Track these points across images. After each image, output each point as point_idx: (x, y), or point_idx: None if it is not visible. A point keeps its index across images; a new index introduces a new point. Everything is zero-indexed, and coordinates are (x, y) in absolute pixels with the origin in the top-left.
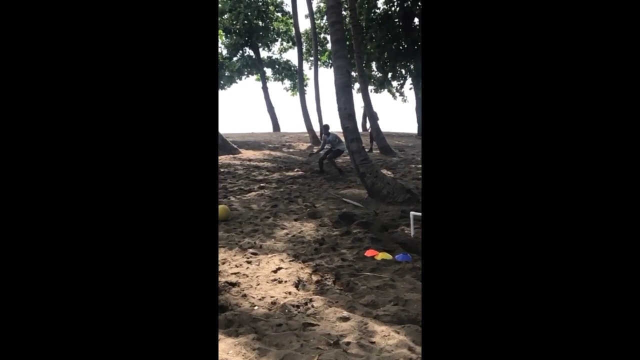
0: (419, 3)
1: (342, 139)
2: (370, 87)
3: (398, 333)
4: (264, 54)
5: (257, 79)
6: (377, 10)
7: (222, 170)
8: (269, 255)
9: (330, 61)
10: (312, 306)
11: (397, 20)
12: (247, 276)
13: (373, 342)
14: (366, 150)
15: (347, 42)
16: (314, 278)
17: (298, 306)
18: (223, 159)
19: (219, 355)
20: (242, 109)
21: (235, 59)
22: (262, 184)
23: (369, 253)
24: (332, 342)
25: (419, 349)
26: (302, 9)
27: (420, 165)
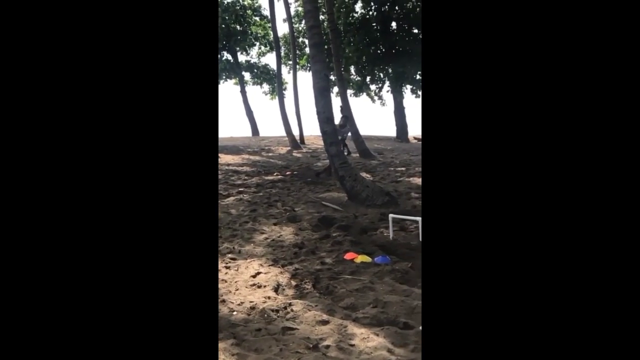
0: (396, 7)
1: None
2: (349, 91)
3: (377, 335)
4: (242, 58)
5: (236, 83)
6: (355, 15)
7: None
8: (248, 260)
9: (309, 65)
10: (292, 310)
11: (374, 24)
12: (226, 281)
13: (352, 345)
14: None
15: (326, 46)
16: (293, 282)
17: (277, 310)
18: None
19: None
20: (221, 113)
21: None
22: (240, 189)
23: (348, 256)
24: (311, 345)
25: (398, 350)
26: (280, 13)
27: (399, 168)
